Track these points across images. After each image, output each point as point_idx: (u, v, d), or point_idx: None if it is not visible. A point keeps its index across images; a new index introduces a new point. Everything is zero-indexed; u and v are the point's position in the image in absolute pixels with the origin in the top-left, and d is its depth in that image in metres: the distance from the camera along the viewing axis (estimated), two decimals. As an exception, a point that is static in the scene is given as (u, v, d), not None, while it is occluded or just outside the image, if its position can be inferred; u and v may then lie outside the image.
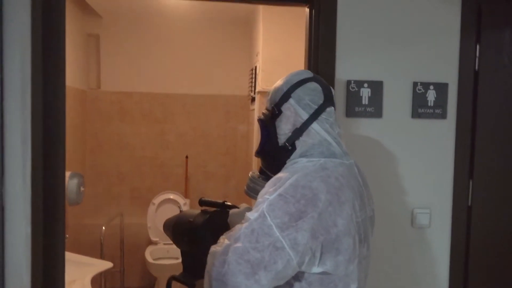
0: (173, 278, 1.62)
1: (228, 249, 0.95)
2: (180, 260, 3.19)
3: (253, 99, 3.45)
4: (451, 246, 1.78)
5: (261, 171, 1.23)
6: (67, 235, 2.89)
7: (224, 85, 4.07)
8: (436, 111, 1.73)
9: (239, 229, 0.97)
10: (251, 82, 3.51)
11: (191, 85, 4.04)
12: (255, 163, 3.20)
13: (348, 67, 1.70)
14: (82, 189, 3.17)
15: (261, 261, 0.91)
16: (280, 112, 1.10)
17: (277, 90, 1.13)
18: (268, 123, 1.13)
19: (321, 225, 0.93)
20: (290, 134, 1.09)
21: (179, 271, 3.75)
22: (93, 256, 2.69)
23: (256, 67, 3.30)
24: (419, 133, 1.74)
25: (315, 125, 1.07)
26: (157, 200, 3.64)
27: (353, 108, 1.70)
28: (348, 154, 1.12)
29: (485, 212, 1.77)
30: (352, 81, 1.69)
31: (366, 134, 1.72)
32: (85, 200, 3.25)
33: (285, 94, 1.10)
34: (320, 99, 1.09)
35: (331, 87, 1.16)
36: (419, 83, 1.72)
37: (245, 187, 1.27)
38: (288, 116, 1.09)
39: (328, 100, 1.11)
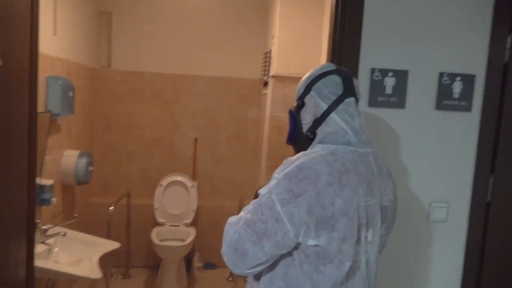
0: None
1: (240, 220, 1.10)
2: (186, 242, 3.19)
3: (265, 83, 3.40)
4: (466, 242, 1.75)
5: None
6: (75, 215, 2.89)
7: (237, 68, 4.01)
8: (461, 104, 1.68)
9: (252, 203, 1.11)
10: (265, 65, 3.45)
11: (203, 66, 3.98)
12: (266, 148, 3.16)
13: (373, 55, 1.64)
14: (90, 168, 3.16)
15: (265, 231, 1.04)
16: (303, 103, 1.20)
17: (301, 83, 1.23)
18: (295, 114, 1.23)
19: (318, 203, 1.01)
20: (311, 123, 1.18)
21: (184, 253, 3.75)
22: (99, 235, 2.69)
23: (270, 51, 3.23)
24: (442, 125, 1.69)
25: (333, 115, 1.14)
26: (165, 181, 3.62)
27: (376, 98, 1.64)
28: (367, 143, 1.17)
29: (504, 209, 1.73)
30: (377, 69, 1.64)
31: (387, 125, 1.67)
32: (92, 180, 3.25)
33: (307, 87, 1.19)
34: (339, 90, 1.16)
35: (353, 79, 1.20)
36: (445, 74, 1.66)
37: None
38: (310, 107, 1.18)
39: (348, 91, 1.16)
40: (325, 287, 1.06)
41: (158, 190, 3.59)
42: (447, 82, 1.67)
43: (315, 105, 1.16)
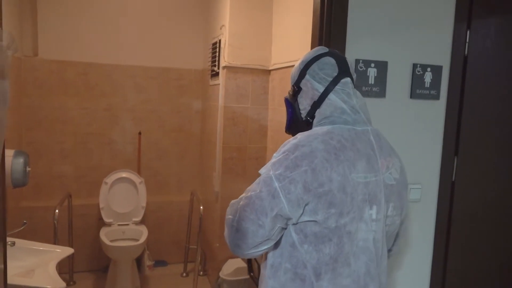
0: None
1: (241, 200, 1.10)
2: (140, 241, 3.03)
3: (215, 74, 3.34)
4: (436, 218, 1.93)
5: None
6: (24, 221, 2.60)
7: (176, 58, 3.88)
8: (431, 92, 1.83)
9: (253, 184, 1.11)
10: (213, 56, 3.38)
11: (141, 56, 3.79)
12: (221, 140, 3.12)
13: (356, 47, 1.71)
14: (28, 169, 2.83)
15: (263, 209, 1.04)
16: (299, 89, 1.21)
17: (295, 69, 1.23)
18: (292, 100, 1.23)
19: (315, 179, 1.03)
20: (309, 108, 1.18)
21: (138, 253, 3.56)
22: (37, 241, 2.48)
23: (220, 41, 3.18)
24: (416, 113, 1.83)
25: (331, 96, 1.15)
26: (110, 179, 3.40)
27: (361, 88, 1.72)
28: (366, 122, 1.19)
29: (466, 187, 1.94)
30: (361, 61, 1.71)
31: (371, 114, 1.76)
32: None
33: (302, 72, 1.20)
34: (334, 72, 1.17)
35: (346, 60, 1.22)
36: (418, 65, 1.80)
37: None
38: (306, 92, 1.19)
39: (343, 72, 1.18)
40: (327, 265, 1.07)
41: (103, 188, 3.36)
42: (420, 72, 1.81)
43: (311, 88, 1.17)
